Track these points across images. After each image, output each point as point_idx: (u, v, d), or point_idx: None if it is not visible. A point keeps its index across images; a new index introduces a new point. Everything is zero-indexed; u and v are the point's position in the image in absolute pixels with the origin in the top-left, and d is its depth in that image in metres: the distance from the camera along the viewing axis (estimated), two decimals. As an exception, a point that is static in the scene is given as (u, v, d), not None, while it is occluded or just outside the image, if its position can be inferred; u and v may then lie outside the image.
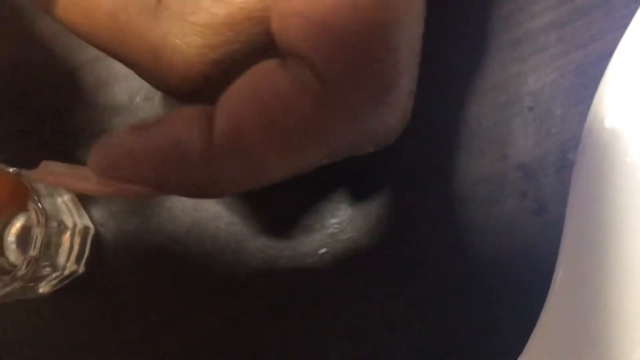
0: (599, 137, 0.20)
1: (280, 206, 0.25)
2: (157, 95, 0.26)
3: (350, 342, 0.24)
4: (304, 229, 0.24)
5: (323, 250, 0.24)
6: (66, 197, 0.25)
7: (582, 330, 0.19)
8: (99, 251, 0.25)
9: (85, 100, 0.26)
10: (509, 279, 0.23)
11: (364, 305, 0.24)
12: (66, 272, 0.24)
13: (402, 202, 0.24)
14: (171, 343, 0.24)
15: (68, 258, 0.24)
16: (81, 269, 0.25)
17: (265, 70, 0.14)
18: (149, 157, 0.14)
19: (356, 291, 0.24)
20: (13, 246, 0.25)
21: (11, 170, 0.23)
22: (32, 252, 0.22)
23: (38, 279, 0.24)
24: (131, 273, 0.25)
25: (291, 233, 0.24)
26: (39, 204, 0.23)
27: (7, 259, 0.25)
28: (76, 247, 0.25)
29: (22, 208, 0.22)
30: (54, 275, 0.24)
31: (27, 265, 0.22)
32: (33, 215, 0.23)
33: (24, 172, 0.23)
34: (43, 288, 0.24)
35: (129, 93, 0.26)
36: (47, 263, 0.23)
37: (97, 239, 0.25)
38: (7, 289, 0.22)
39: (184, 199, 0.25)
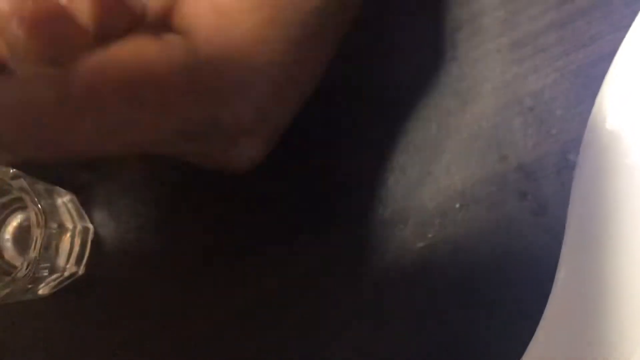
0: (601, 138, 0.20)
1: (278, 205, 0.25)
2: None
3: (350, 342, 0.24)
4: (303, 228, 0.24)
5: (323, 249, 0.24)
6: (66, 198, 0.25)
7: (584, 331, 0.19)
8: (99, 252, 0.25)
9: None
10: (509, 279, 0.23)
11: (364, 305, 0.24)
12: (66, 274, 0.24)
13: (402, 202, 0.24)
14: (171, 343, 0.24)
15: (68, 259, 0.24)
16: (81, 271, 0.25)
17: (138, 41, 0.16)
18: (6, 108, 0.15)
19: (356, 291, 0.24)
20: (9, 244, 0.25)
21: (10, 171, 0.23)
22: (32, 254, 0.22)
23: (38, 280, 0.24)
24: (131, 274, 0.25)
25: (289, 232, 0.24)
26: (39, 205, 0.23)
27: (4, 259, 0.25)
28: (76, 249, 0.24)
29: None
30: (54, 276, 0.24)
31: (27, 267, 0.22)
32: (33, 216, 0.23)
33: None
34: (43, 289, 0.24)
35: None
36: (47, 264, 0.23)
37: (97, 240, 0.25)
38: (7, 290, 0.22)
39: (183, 201, 0.25)
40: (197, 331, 0.24)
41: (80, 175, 0.25)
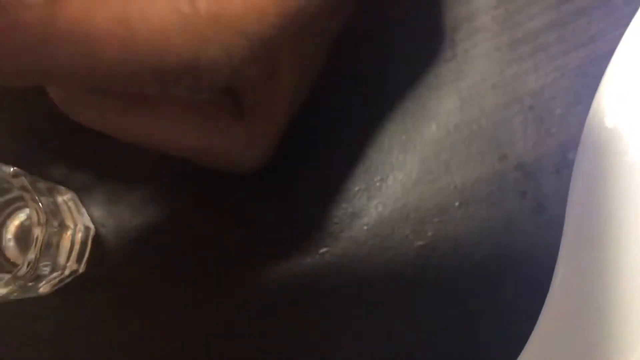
0: (599, 136, 0.20)
1: (280, 206, 0.25)
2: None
3: (350, 342, 0.24)
4: (304, 228, 0.24)
5: (323, 250, 0.24)
6: (67, 196, 0.25)
7: (582, 330, 0.19)
8: (100, 251, 0.25)
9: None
10: (509, 278, 0.23)
11: (364, 305, 0.24)
12: (67, 272, 0.24)
13: (401, 201, 0.24)
14: (171, 343, 0.25)
15: (69, 258, 0.24)
16: (82, 269, 0.25)
17: None
18: None
19: (356, 291, 0.24)
20: (10, 243, 0.25)
21: (11, 170, 0.23)
22: (33, 252, 0.22)
23: (38, 278, 0.24)
24: (132, 273, 0.25)
25: (291, 232, 0.24)
26: (40, 204, 0.23)
27: (5, 257, 0.25)
28: (77, 247, 0.25)
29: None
30: (55, 275, 0.24)
31: (28, 265, 0.22)
32: (34, 215, 0.23)
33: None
34: (44, 288, 0.24)
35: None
36: (48, 263, 0.23)
37: (98, 239, 0.25)
38: (8, 288, 0.22)
39: (183, 199, 0.25)
40: (199, 330, 0.24)
41: (81, 174, 0.25)
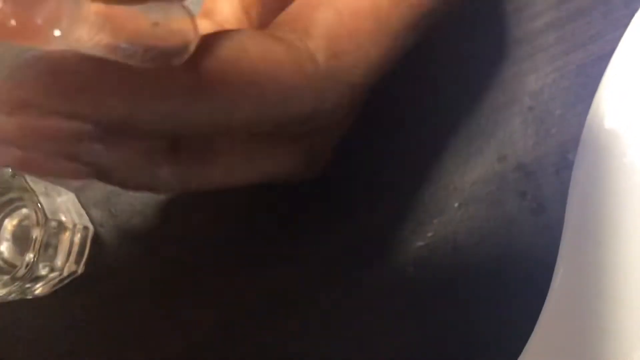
0: (599, 137, 0.20)
1: (283, 206, 0.25)
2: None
3: (349, 342, 0.24)
4: (305, 228, 0.24)
5: (323, 249, 0.24)
6: (65, 197, 0.25)
7: (582, 330, 0.19)
8: (99, 252, 0.25)
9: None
10: (509, 279, 0.23)
11: (363, 305, 0.24)
12: (65, 273, 0.24)
13: (401, 201, 0.24)
14: (170, 343, 0.24)
15: (67, 258, 0.24)
16: (80, 270, 0.25)
17: (260, 39, 0.16)
18: (123, 78, 0.13)
19: (356, 291, 0.24)
20: (8, 243, 0.25)
21: (10, 170, 0.23)
22: (31, 253, 0.22)
23: (37, 279, 0.24)
24: (130, 274, 0.25)
25: (292, 233, 0.24)
26: (38, 204, 0.23)
27: (3, 258, 0.25)
28: (75, 248, 0.25)
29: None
30: (53, 275, 0.24)
31: (26, 266, 0.22)
32: (32, 216, 0.23)
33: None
34: (42, 288, 0.24)
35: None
36: (47, 263, 0.23)
37: (97, 240, 0.25)
38: (6, 289, 0.22)
39: (182, 199, 0.25)
40: (197, 331, 0.24)
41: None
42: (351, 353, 0.24)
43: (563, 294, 0.19)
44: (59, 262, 0.24)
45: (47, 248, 0.23)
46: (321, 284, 0.24)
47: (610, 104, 0.20)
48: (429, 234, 0.24)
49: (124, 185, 0.16)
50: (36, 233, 0.23)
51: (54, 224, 0.23)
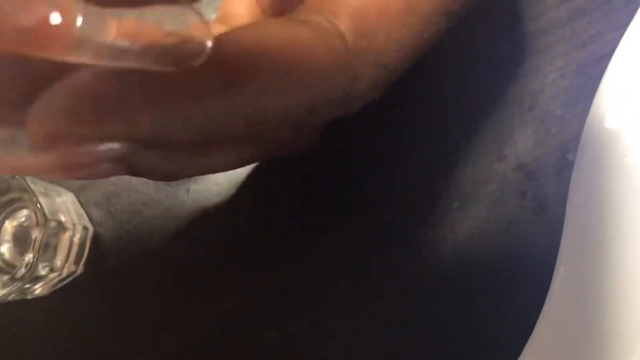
0: (599, 137, 0.20)
1: (278, 209, 0.25)
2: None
3: (350, 342, 0.24)
4: (305, 228, 0.24)
5: (324, 250, 0.24)
6: (65, 197, 0.25)
7: (582, 330, 0.19)
8: (98, 252, 0.25)
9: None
10: (509, 278, 0.23)
11: (364, 305, 0.24)
12: (65, 273, 0.24)
13: (401, 202, 0.24)
14: (170, 343, 0.24)
15: (67, 259, 0.24)
16: (80, 270, 0.25)
17: (288, 24, 0.15)
18: (144, 94, 0.13)
19: (355, 291, 0.24)
20: (8, 244, 0.25)
21: (10, 170, 0.23)
22: (31, 253, 0.22)
23: (37, 279, 0.24)
24: (130, 274, 0.25)
25: (292, 233, 0.24)
26: (38, 204, 0.23)
27: (3, 258, 0.25)
28: (75, 248, 0.24)
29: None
30: (53, 276, 0.24)
31: (26, 266, 0.22)
32: (32, 216, 0.23)
33: None
34: (42, 289, 0.24)
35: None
36: (46, 264, 0.23)
37: (96, 240, 0.25)
38: (6, 289, 0.22)
39: (182, 199, 0.25)
40: (197, 331, 0.24)
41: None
42: (351, 353, 0.24)
43: (563, 293, 0.19)
44: (58, 262, 0.24)
45: (47, 248, 0.23)
46: (321, 284, 0.24)
47: (611, 104, 0.20)
48: (429, 234, 0.24)
49: (152, 177, 0.16)
50: (36, 233, 0.23)
51: (53, 224, 0.23)
